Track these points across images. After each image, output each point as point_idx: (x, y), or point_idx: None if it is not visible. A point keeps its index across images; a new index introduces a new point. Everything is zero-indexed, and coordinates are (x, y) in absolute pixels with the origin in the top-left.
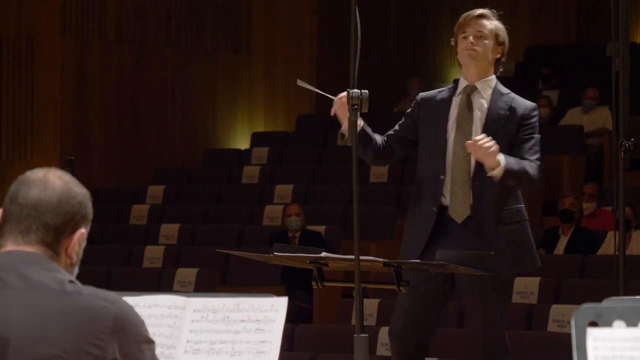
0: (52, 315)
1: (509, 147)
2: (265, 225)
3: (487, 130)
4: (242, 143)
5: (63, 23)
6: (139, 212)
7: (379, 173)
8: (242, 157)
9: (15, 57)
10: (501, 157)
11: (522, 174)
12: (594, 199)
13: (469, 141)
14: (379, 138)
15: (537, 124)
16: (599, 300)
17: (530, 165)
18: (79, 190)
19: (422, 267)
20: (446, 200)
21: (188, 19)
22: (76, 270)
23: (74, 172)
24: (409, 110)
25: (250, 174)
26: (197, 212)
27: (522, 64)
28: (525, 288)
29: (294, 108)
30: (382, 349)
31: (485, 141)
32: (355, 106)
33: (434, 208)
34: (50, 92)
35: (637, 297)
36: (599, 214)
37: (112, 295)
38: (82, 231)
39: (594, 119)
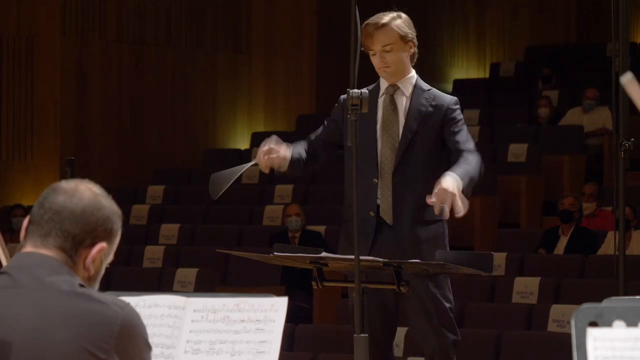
0: (59, 316)
1: (433, 143)
2: (265, 225)
3: (408, 128)
4: (242, 143)
5: (63, 23)
6: (139, 212)
7: None
8: (242, 157)
9: (15, 57)
10: (462, 200)
11: (473, 182)
12: (594, 199)
13: (439, 189)
14: (301, 148)
15: (461, 116)
16: (599, 300)
17: (475, 160)
18: (108, 205)
19: (422, 267)
20: (380, 202)
21: (188, 19)
22: (96, 286)
23: (73, 172)
24: (331, 113)
25: (251, 173)
26: (197, 212)
27: (522, 64)
28: (525, 288)
29: (294, 108)
30: None
31: (452, 191)
32: (356, 106)
33: (371, 212)
34: (50, 92)
35: (637, 297)
36: (599, 214)
37: (121, 300)
38: (103, 245)
39: (594, 119)
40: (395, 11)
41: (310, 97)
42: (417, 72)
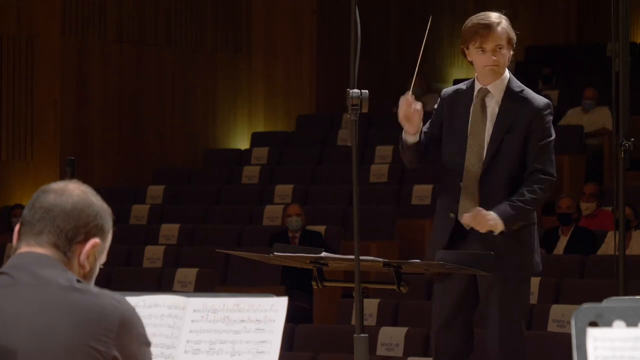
0: (60, 311)
1: (520, 151)
2: (265, 225)
3: (495, 135)
4: (242, 143)
5: (63, 23)
6: (139, 212)
7: (379, 173)
8: (242, 157)
9: (15, 57)
10: (496, 218)
11: (525, 212)
12: (594, 199)
13: (465, 216)
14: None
15: (549, 123)
16: (599, 300)
17: (532, 189)
18: (98, 202)
19: (422, 267)
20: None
21: (188, 19)
22: (92, 284)
23: (74, 172)
24: (435, 106)
25: (250, 174)
26: (197, 212)
27: (522, 64)
28: None
29: (294, 108)
30: (382, 349)
31: (479, 216)
32: (355, 106)
33: (452, 214)
34: (50, 92)
35: (637, 297)
36: (599, 214)
37: (118, 295)
38: (96, 240)
39: (594, 119)
40: (492, 12)
41: (310, 97)
42: (417, 72)
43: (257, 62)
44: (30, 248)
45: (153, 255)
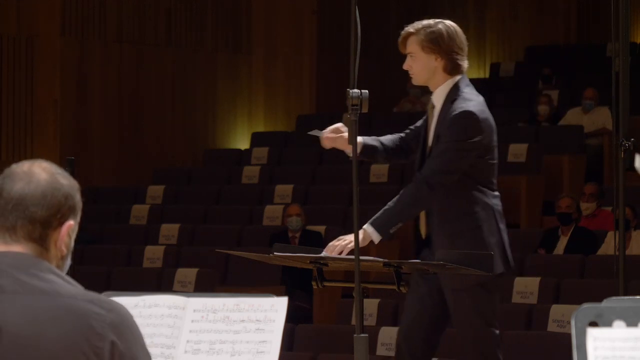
0: (47, 321)
1: None
2: (265, 225)
3: (432, 142)
4: (242, 143)
5: (63, 23)
6: (139, 212)
7: (379, 173)
8: (242, 157)
9: (15, 57)
10: (369, 229)
11: (402, 215)
12: (594, 199)
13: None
14: (389, 139)
15: (460, 128)
16: (599, 300)
17: (405, 194)
18: (65, 182)
19: (422, 267)
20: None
21: (188, 19)
22: (68, 262)
23: (73, 172)
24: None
25: (250, 174)
26: (197, 212)
27: (522, 64)
28: (525, 288)
29: (294, 108)
30: (382, 349)
31: (338, 246)
32: (356, 106)
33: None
34: (50, 92)
35: (637, 297)
36: (599, 214)
37: (108, 302)
38: (71, 223)
39: (594, 119)
40: (439, 20)
41: (310, 97)
42: None
43: (257, 62)
44: (7, 247)
45: (153, 255)
